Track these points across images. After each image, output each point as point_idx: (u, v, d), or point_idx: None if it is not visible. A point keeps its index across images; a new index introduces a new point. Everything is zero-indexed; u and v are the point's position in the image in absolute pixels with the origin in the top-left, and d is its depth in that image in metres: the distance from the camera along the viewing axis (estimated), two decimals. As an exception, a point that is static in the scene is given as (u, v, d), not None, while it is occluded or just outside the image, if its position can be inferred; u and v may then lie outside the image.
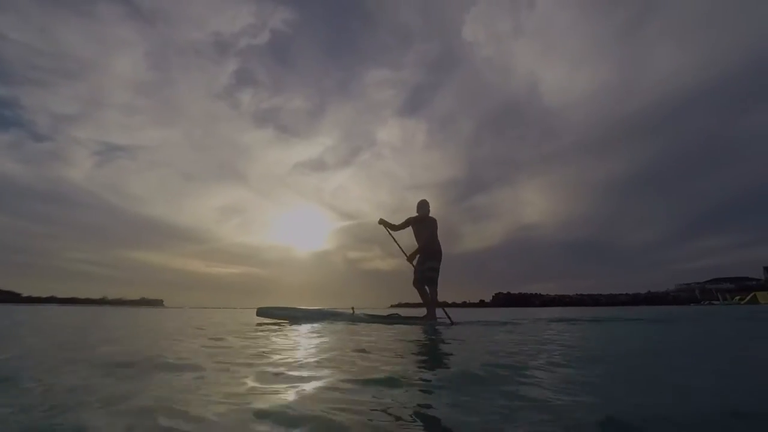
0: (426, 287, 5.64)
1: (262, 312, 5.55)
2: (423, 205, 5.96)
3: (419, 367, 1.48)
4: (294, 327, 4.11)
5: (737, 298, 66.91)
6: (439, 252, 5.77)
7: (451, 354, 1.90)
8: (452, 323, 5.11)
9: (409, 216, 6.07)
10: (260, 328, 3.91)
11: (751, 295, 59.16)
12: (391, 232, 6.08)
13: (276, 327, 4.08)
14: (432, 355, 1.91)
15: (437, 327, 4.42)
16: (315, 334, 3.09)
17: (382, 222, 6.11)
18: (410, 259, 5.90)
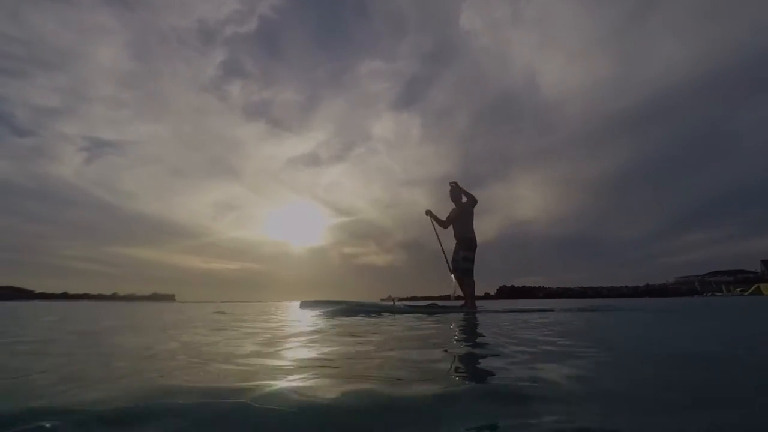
0: (463, 277, 5.55)
1: (306, 305, 5.57)
2: (454, 190, 5.84)
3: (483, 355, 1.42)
4: (348, 319, 3.82)
5: (738, 289, 68.92)
6: (473, 240, 5.63)
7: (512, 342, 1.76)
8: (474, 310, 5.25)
9: (450, 208, 5.98)
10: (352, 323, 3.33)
11: (755, 287, 60.67)
12: (435, 224, 6.01)
13: (346, 321, 3.60)
14: (488, 343, 1.76)
15: (478, 315, 4.34)
16: (379, 327, 2.83)
17: (429, 213, 6.01)
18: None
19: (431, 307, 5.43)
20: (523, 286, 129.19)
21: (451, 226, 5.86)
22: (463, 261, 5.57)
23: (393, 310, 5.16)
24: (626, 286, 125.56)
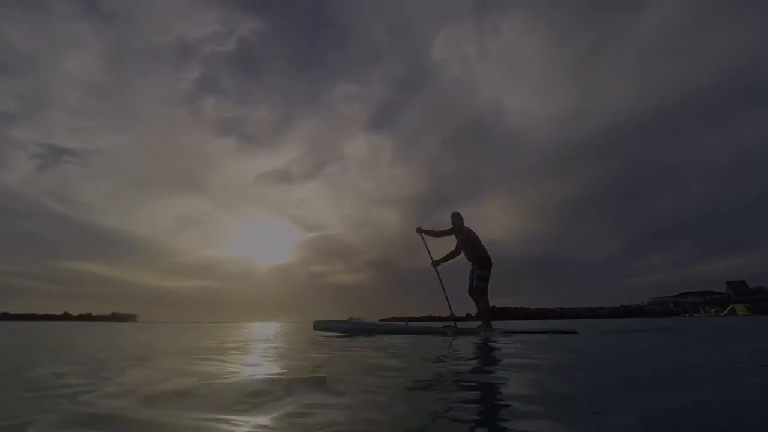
0: (477, 297, 5.52)
1: (319, 325, 5.46)
2: (455, 217, 5.92)
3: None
4: (369, 341, 3.67)
5: (713, 310, 70.88)
6: (488, 259, 5.63)
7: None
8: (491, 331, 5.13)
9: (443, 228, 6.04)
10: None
11: (729, 307, 62.83)
12: (426, 239, 5.94)
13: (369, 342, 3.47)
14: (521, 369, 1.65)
15: (494, 338, 4.15)
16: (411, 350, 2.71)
17: (420, 230, 5.91)
18: (435, 264, 5.77)
19: (448, 330, 5.25)
20: (505, 307, 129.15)
21: (463, 250, 5.87)
22: (478, 280, 5.50)
23: (407, 331, 5.14)
24: (602, 307, 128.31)
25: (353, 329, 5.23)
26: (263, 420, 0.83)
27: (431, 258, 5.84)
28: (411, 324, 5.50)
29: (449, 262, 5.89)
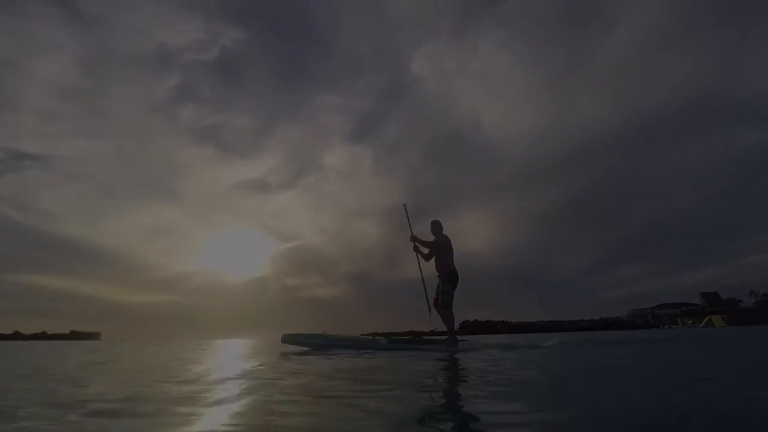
0: (442, 312, 5.53)
1: (287, 339, 5.50)
2: (435, 225, 5.96)
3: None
4: (334, 355, 4.00)
5: (690, 321, 71.61)
6: (454, 273, 5.57)
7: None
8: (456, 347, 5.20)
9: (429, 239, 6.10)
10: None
11: (707, 319, 63.78)
12: (420, 247, 5.96)
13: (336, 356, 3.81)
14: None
15: (459, 352, 4.36)
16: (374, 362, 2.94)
17: (414, 240, 5.91)
18: (414, 239, 5.90)
19: (415, 343, 5.45)
20: (487, 321, 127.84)
21: (433, 259, 5.86)
22: (443, 294, 5.50)
23: (375, 346, 5.19)
24: (584, 320, 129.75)
25: (322, 344, 5.25)
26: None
27: (411, 231, 5.96)
28: (378, 339, 5.64)
29: (422, 257, 5.89)
